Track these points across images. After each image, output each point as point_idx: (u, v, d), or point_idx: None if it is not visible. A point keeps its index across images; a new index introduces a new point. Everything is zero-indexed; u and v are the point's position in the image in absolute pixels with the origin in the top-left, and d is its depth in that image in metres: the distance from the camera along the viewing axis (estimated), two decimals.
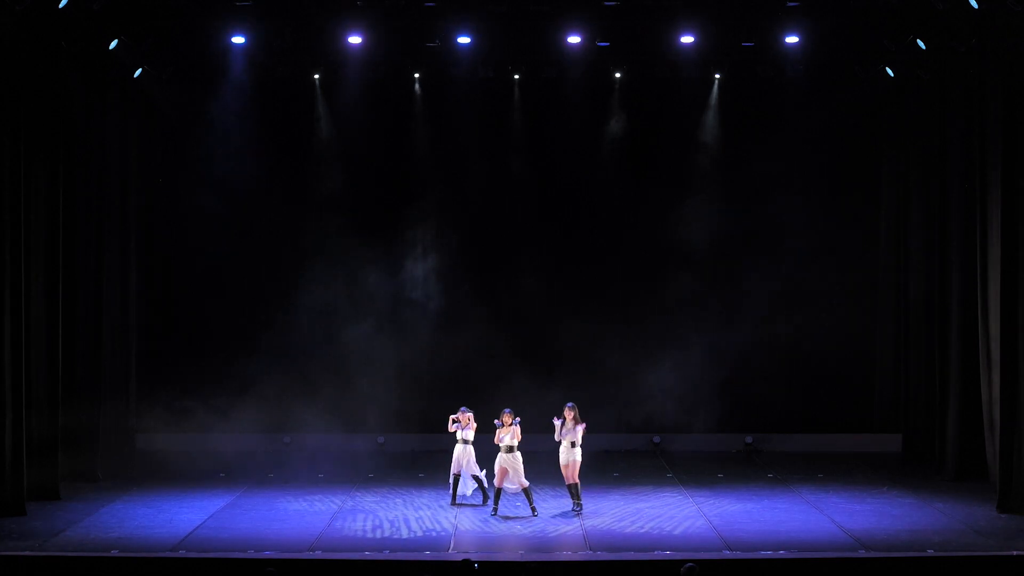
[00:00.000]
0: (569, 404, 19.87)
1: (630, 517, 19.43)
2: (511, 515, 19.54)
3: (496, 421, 19.77)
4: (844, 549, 17.26)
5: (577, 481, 19.78)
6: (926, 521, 19.05)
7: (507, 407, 19.95)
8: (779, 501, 20.78)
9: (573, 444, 19.74)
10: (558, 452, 19.85)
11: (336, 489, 21.63)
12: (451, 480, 20.34)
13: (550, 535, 18.36)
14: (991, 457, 20.91)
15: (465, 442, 20.27)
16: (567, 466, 19.73)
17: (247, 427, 24.81)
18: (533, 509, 19.58)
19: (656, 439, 25.95)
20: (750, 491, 21.64)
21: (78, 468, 21.70)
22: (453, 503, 20.21)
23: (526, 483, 19.53)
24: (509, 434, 19.56)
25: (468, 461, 20.21)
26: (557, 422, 19.80)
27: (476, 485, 20.38)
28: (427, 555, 16.88)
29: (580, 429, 19.73)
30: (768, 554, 16.77)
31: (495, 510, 19.57)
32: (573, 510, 19.70)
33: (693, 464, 24.25)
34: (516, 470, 19.48)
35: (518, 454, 19.55)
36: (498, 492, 19.69)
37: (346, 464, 23.73)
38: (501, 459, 19.56)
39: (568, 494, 19.98)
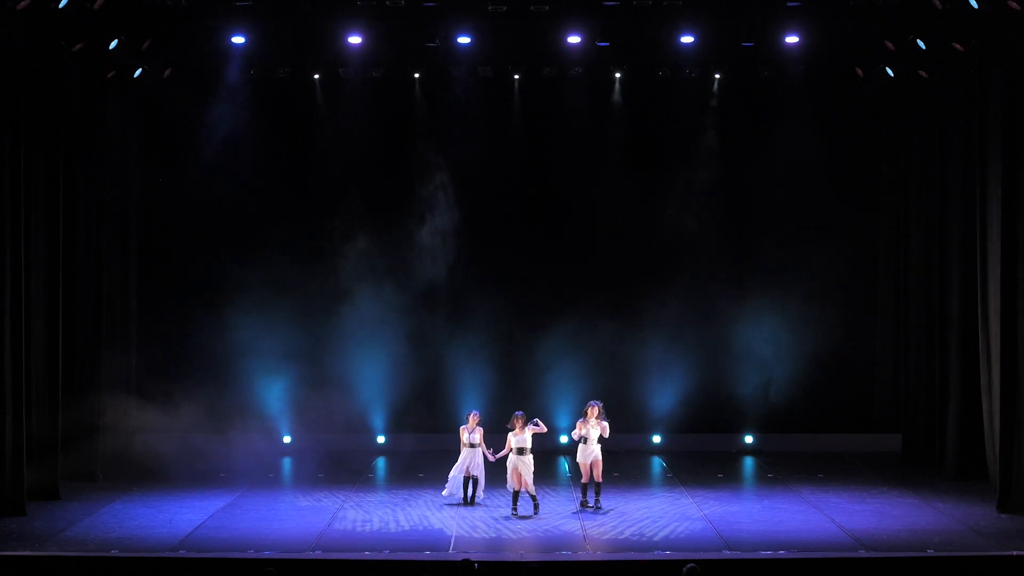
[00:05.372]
0: (592, 402, 20.05)
1: (630, 517, 19.43)
2: (511, 515, 19.53)
3: (507, 425, 19.85)
4: (844, 549, 17.26)
5: (600, 480, 19.95)
6: (926, 521, 19.04)
7: (518, 410, 20.01)
8: (779, 501, 20.78)
9: (586, 440, 19.81)
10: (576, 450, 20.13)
11: (336, 489, 21.64)
12: (461, 481, 20.31)
13: (550, 535, 18.35)
14: (991, 457, 20.89)
15: (472, 445, 20.27)
16: (592, 464, 19.83)
17: (247, 427, 24.81)
18: (536, 507, 19.53)
19: (656, 439, 25.94)
20: (750, 491, 21.63)
21: (78, 468, 21.69)
22: (466, 503, 20.25)
23: (532, 489, 19.52)
24: (516, 437, 19.58)
25: (475, 463, 20.20)
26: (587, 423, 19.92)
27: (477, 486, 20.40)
28: (427, 555, 16.87)
29: (604, 425, 19.91)
30: (768, 554, 16.76)
31: (514, 510, 19.57)
32: (598, 508, 19.87)
33: (693, 464, 24.25)
34: (523, 473, 19.46)
35: (529, 457, 19.56)
36: (516, 495, 19.68)
37: (346, 464, 23.75)
38: (511, 460, 19.59)
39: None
